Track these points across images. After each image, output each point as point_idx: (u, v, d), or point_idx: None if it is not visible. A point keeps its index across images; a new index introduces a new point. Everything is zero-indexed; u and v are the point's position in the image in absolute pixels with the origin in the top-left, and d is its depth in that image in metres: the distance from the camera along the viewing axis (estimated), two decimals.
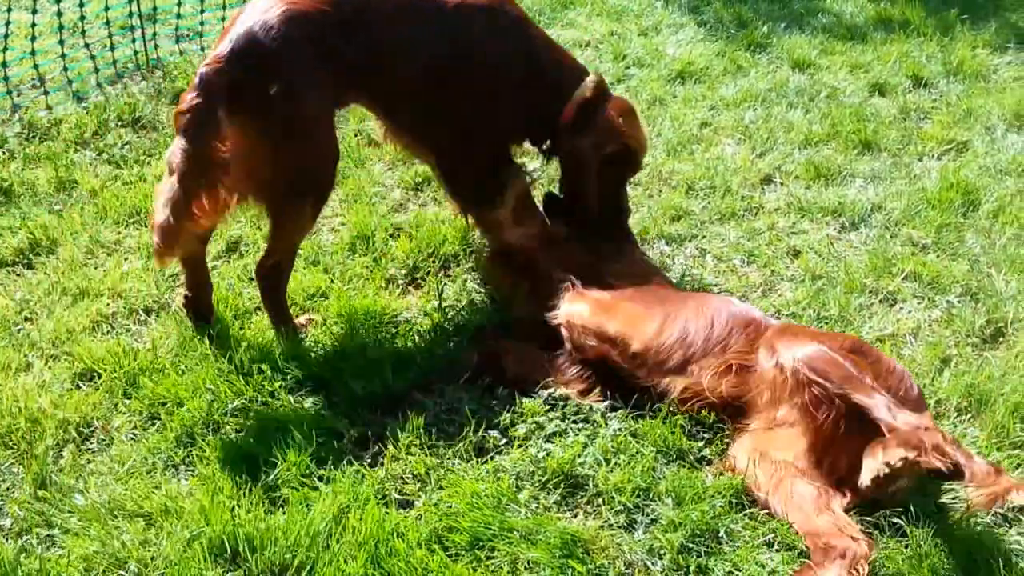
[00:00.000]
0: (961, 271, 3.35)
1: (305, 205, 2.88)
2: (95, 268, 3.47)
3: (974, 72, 4.96)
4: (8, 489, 2.53)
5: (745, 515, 2.37)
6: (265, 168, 2.76)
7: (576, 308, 2.85)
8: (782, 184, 3.97)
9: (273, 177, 2.78)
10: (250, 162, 2.71)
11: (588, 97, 3.15)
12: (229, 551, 2.28)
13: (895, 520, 2.33)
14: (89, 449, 2.67)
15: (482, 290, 3.30)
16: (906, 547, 2.25)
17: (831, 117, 4.45)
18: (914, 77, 4.92)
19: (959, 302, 3.21)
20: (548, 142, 3.28)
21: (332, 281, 3.30)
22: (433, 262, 3.42)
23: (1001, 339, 3.05)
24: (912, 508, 2.33)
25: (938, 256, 3.47)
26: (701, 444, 2.59)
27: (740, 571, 2.22)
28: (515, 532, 2.31)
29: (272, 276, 2.97)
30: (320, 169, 2.90)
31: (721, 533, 2.31)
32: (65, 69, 4.74)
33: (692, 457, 2.55)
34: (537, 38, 3.20)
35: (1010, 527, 2.31)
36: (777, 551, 2.29)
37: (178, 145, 2.67)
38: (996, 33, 5.41)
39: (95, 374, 2.93)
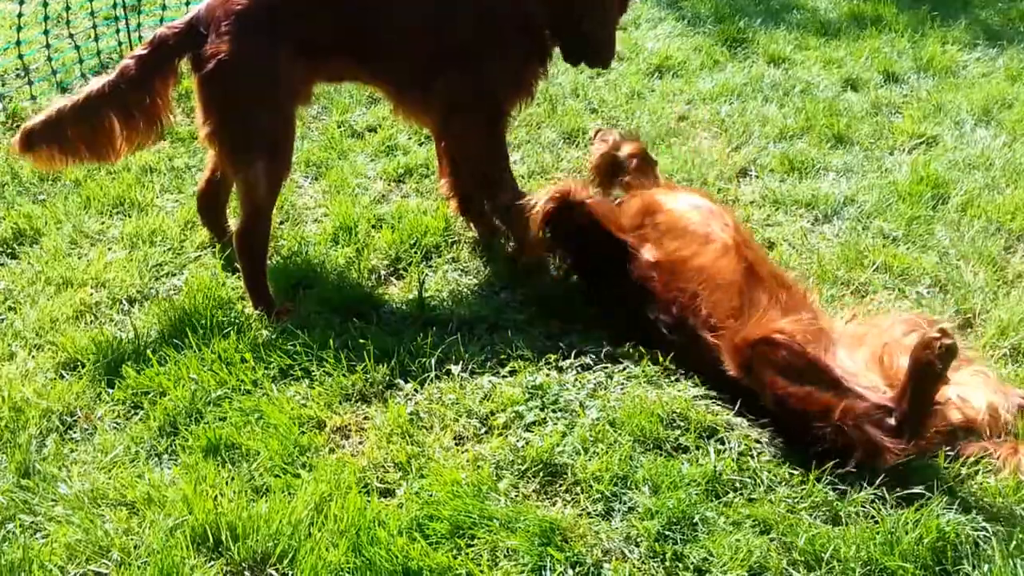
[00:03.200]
0: (930, 263, 3.42)
1: (254, 166, 3.04)
2: (79, 258, 3.47)
3: (944, 68, 5.04)
4: None
5: (721, 503, 2.41)
6: (214, 127, 3.03)
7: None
8: (757, 177, 4.03)
9: (220, 137, 3.05)
10: (203, 117, 3.04)
11: None
12: (211, 539, 2.29)
13: (866, 506, 2.38)
14: (72, 438, 2.68)
15: (464, 280, 3.33)
16: (878, 533, 2.29)
17: (805, 111, 4.51)
18: (886, 72, 4.99)
19: (928, 293, 3.28)
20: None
21: (315, 271, 3.31)
22: (415, 253, 3.44)
23: (969, 329, 3.12)
24: (885, 494, 2.38)
25: (908, 248, 3.53)
26: (678, 433, 2.62)
27: (715, 557, 2.25)
28: (495, 520, 2.33)
29: (241, 241, 3.12)
30: (267, 133, 3.04)
31: (697, 520, 2.34)
32: (49, 59, 4.71)
33: (669, 446, 2.59)
34: None
35: (977, 513, 2.35)
36: (752, 536, 2.32)
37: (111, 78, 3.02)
38: (965, 30, 5.50)
39: (78, 363, 2.93)
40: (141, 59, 3.03)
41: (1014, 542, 2.26)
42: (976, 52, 5.28)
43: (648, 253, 2.96)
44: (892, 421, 2.46)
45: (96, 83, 3.06)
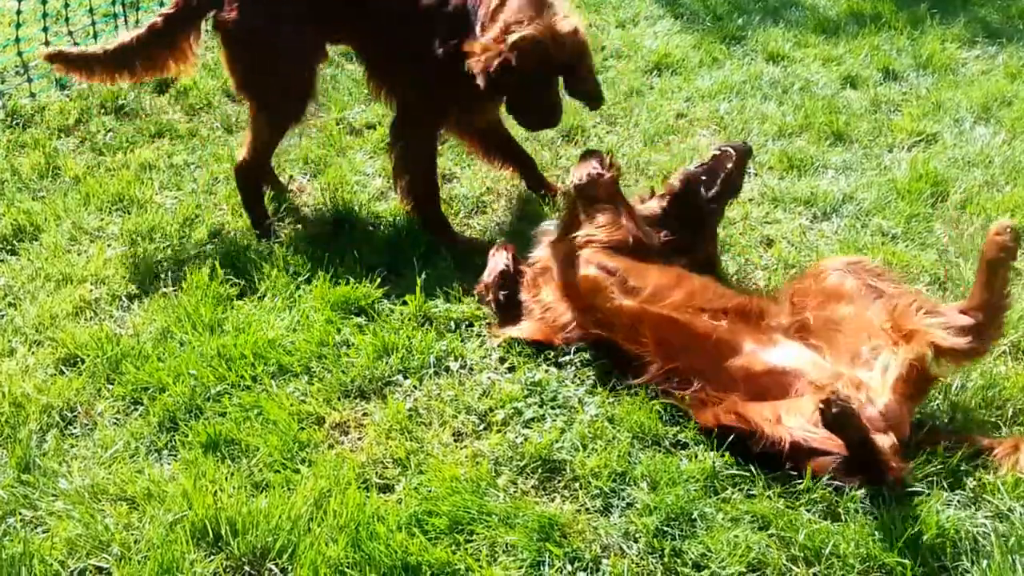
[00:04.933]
0: (929, 260, 3.42)
1: (259, 114, 3.45)
2: (78, 254, 3.48)
3: (943, 65, 5.04)
4: None
5: (719, 499, 2.41)
6: (233, 82, 3.51)
7: None
8: (756, 174, 4.02)
9: (239, 90, 3.54)
10: (228, 72, 3.50)
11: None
12: (211, 534, 2.30)
13: (865, 502, 2.37)
14: (72, 434, 2.68)
15: (463, 277, 3.33)
16: (877, 530, 2.29)
17: (804, 109, 4.51)
18: (885, 70, 4.99)
19: (927, 291, 3.27)
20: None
21: (314, 268, 3.32)
22: (414, 250, 3.43)
23: None
24: (883, 491, 2.38)
25: (907, 246, 3.53)
26: (676, 429, 2.62)
27: (713, 553, 2.25)
28: (493, 516, 2.34)
29: (238, 172, 3.55)
30: (272, 87, 3.40)
31: (695, 516, 2.34)
32: None
33: (667, 442, 2.59)
34: None
35: (977, 509, 2.36)
36: (751, 532, 2.32)
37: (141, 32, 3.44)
38: (965, 27, 5.49)
39: (78, 359, 2.94)
40: (167, 17, 3.42)
41: (1013, 538, 2.26)
42: (975, 50, 5.28)
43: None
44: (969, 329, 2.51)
45: (126, 36, 3.47)
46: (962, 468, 2.47)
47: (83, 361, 2.92)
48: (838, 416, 2.34)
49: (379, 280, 3.28)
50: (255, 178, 3.58)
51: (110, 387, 2.83)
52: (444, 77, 3.26)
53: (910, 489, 2.39)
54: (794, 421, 2.48)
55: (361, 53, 3.64)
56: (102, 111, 4.44)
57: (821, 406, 2.35)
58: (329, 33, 3.49)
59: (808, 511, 2.37)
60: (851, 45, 5.28)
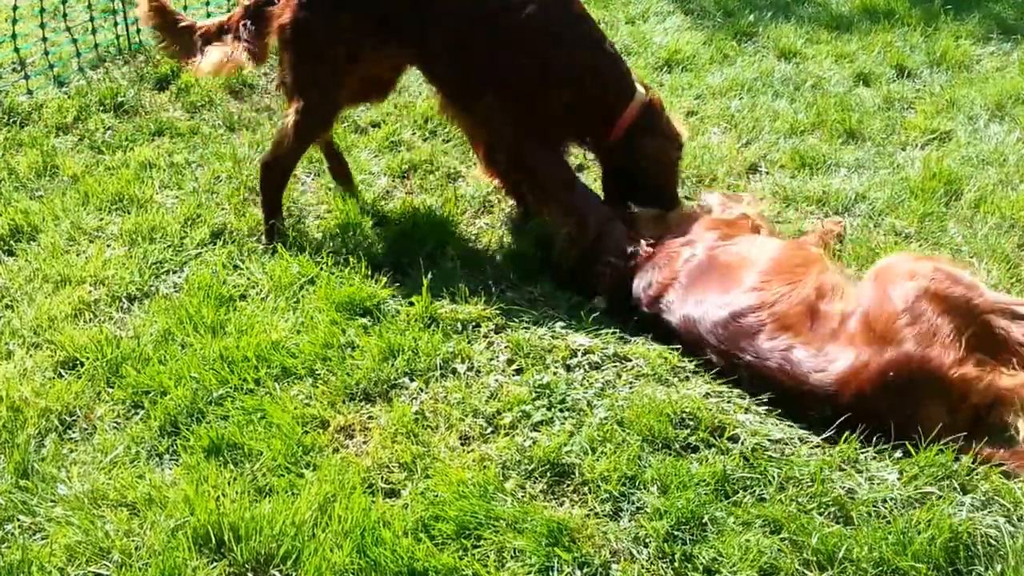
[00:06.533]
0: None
1: (287, 116, 3.42)
2: (77, 255, 3.44)
3: (957, 62, 4.99)
4: None
5: (731, 502, 2.38)
6: (280, 71, 3.54)
7: None
8: (767, 173, 3.99)
9: (280, 81, 3.59)
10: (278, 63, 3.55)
11: (649, 101, 3.40)
12: (214, 541, 2.27)
13: (878, 506, 2.35)
14: (71, 438, 2.65)
15: (470, 278, 3.29)
16: (890, 533, 2.26)
17: (816, 106, 4.47)
18: (898, 67, 4.94)
19: None
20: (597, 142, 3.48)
21: (318, 269, 3.28)
22: (420, 250, 3.41)
23: None
24: (896, 494, 2.36)
25: (921, 245, 3.49)
26: (687, 432, 2.59)
27: (724, 557, 2.23)
28: (501, 521, 2.31)
29: (262, 170, 3.53)
30: (304, 92, 3.38)
31: (706, 520, 2.32)
32: (46, 53, 4.67)
33: (678, 445, 2.55)
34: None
35: (989, 511, 2.33)
36: (763, 536, 2.29)
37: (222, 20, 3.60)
38: (979, 23, 5.44)
39: (77, 362, 2.90)
40: (245, 8, 3.53)
41: None
42: (990, 46, 5.23)
43: None
44: None
45: (209, 21, 3.63)
46: (976, 471, 2.44)
47: (82, 364, 2.89)
48: None
49: (385, 280, 3.24)
50: (277, 178, 3.53)
51: (110, 390, 2.80)
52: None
53: (923, 491, 2.36)
54: None
55: (430, 72, 3.51)
56: (101, 108, 4.41)
57: None
58: (390, 47, 3.37)
59: (820, 514, 2.34)
60: (864, 42, 5.23)
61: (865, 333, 2.61)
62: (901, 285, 2.68)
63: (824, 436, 2.55)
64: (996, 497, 2.37)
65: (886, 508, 2.34)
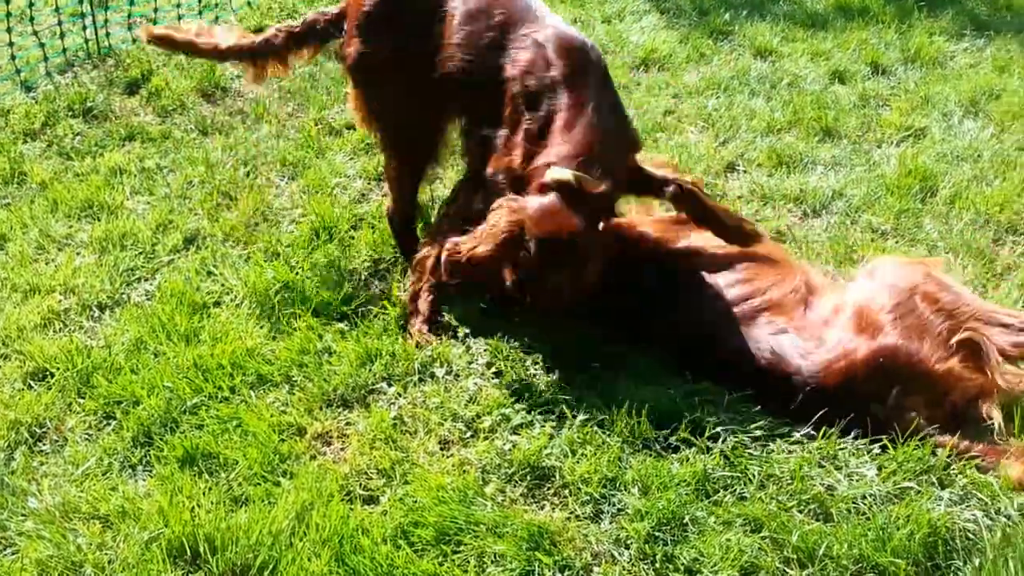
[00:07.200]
0: (919, 256, 3.38)
1: (389, 161, 3.30)
2: (46, 263, 3.39)
3: (931, 59, 5.01)
4: None
5: (711, 502, 2.38)
6: (357, 112, 3.27)
7: None
8: (745, 171, 3.98)
9: (362, 121, 3.30)
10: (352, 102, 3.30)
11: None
12: (189, 552, 2.24)
13: (857, 502, 2.35)
14: (42, 451, 2.61)
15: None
16: (869, 530, 2.27)
17: (792, 104, 4.47)
18: (873, 64, 4.95)
19: None
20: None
21: (294, 274, 3.24)
22: (397, 253, 3.38)
23: None
24: (876, 490, 2.37)
25: (897, 242, 3.50)
26: (667, 432, 2.58)
27: (705, 557, 2.23)
28: (481, 525, 2.30)
29: (390, 218, 3.36)
30: (393, 132, 3.20)
31: (687, 520, 2.31)
32: (13, 58, 4.61)
33: (658, 446, 2.55)
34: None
35: (967, 505, 2.35)
36: (743, 535, 2.29)
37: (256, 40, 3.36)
38: (953, 20, 5.47)
39: (47, 373, 2.86)
40: (289, 34, 3.29)
41: (1002, 533, 2.25)
42: (963, 42, 5.25)
43: None
44: None
45: (241, 38, 3.37)
46: (953, 465, 2.45)
47: (52, 375, 2.84)
48: None
49: (361, 284, 3.22)
50: (404, 222, 3.33)
51: (81, 401, 2.75)
52: None
53: (902, 486, 2.37)
54: None
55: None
56: (69, 114, 4.35)
57: None
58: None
59: (800, 512, 2.35)
60: (839, 39, 5.25)
61: (857, 323, 2.66)
62: (894, 283, 2.75)
63: (804, 432, 2.55)
64: (974, 491, 2.38)
65: (865, 504, 2.35)
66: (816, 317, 2.75)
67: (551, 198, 2.69)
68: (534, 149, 2.79)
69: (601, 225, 2.76)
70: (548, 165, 2.73)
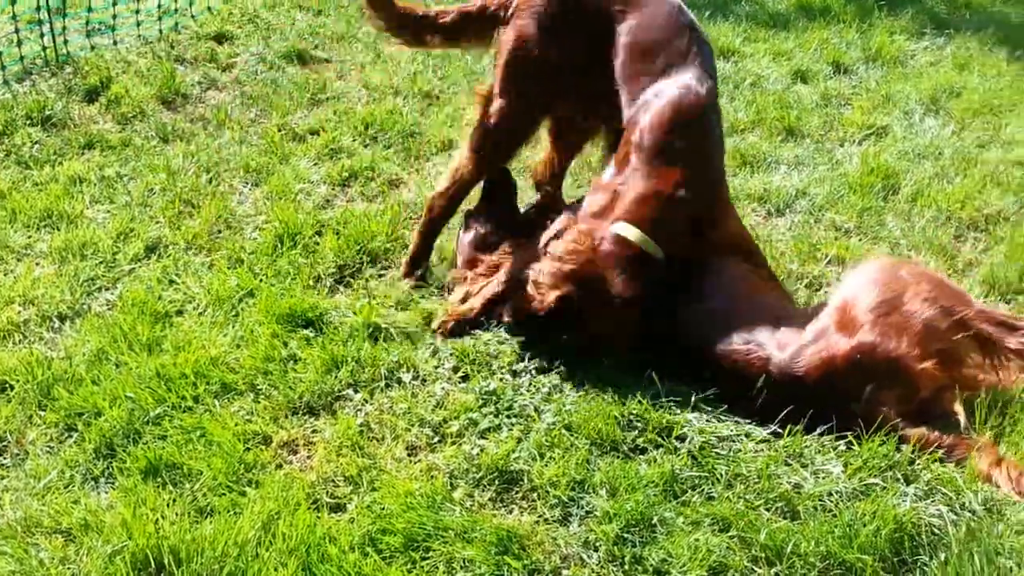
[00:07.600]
0: (882, 254, 3.42)
1: (464, 150, 3.30)
2: (4, 274, 3.33)
3: (892, 58, 5.09)
4: None
5: (679, 502, 2.38)
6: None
7: None
8: None
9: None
10: None
11: None
12: (154, 565, 2.21)
13: (824, 500, 2.37)
14: (2, 464, 2.56)
15: (411, 288, 3.25)
16: (836, 527, 2.28)
17: (756, 104, 4.51)
18: (835, 63, 5.02)
19: None
20: None
21: (259, 280, 3.21)
22: (362, 259, 3.36)
23: None
24: (842, 487, 2.38)
25: (860, 240, 3.54)
26: (635, 434, 2.59)
27: (674, 558, 2.23)
28: (450, 531, 2.28)
29: (432, 202, 3.33)
30: (492, 121, 3.23)
31: (655, 521, 2.32)
32: None
33: (626, 447, 2.55)
34: None
35: (931, 500, 2.37)
36: (711, 535, 2.30)
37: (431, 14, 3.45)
38: (913, 19, 5.56)
39: (6, 386, 2.81)
40: (463, 13, 3.40)
41: (967, 527, 2.27)
42: (924, 41, 5.34)
43: None
44: None
45: (424, 11, 3.46)
46: (917, 461, 2.48)
47: (12, 387, 2.79)
48: None
49: (326, 291, 3.19)
50: (441, 216, 3.33)
51: (41, 414, 2.71)
52: None
53: (867, 483, 2.39)
54: None
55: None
56: (28, 122, 4.28)
57: None
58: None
59: (768, 510, 2.36)
60: (801, 39, 5.31)
61: (839, 317, 2.68)
62: (886, 281, 2.76)
63: (770, 431, 2.57)
64: (938, 486, 2.41)
65: (832, 501, 2.37)
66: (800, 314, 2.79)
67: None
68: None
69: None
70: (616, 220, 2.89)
